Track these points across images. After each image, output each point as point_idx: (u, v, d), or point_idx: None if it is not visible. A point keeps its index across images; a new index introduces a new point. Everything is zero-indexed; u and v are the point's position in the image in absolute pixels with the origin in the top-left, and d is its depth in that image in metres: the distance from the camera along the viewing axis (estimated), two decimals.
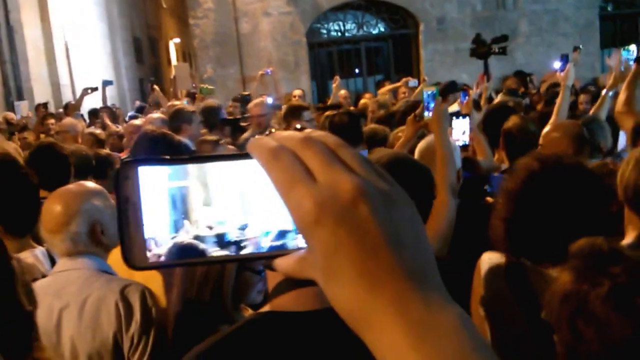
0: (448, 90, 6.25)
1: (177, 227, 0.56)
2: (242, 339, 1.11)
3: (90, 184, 2.12)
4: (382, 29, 11.98)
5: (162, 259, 0.56)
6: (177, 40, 19.23)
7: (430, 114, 3.38)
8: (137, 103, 10.42)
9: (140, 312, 1.83)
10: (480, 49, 7.09)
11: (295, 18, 11.47)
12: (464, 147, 3.82)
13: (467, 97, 5.07)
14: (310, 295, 1.10)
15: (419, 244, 0.50)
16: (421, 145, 3.21)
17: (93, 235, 1.93)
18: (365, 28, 11.86)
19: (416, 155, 3.14)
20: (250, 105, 6.09)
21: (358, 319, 0.48)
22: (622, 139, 3.81)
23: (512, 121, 3.61)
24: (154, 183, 0.56)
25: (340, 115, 4.68)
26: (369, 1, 11.41)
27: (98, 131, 6.30)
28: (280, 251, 0.55)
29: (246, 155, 0.53)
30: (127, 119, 8.60)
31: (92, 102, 9.52)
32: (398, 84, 8.97)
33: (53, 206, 1.94)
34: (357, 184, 0.48)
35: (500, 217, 1.68)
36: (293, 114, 5.00)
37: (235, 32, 11.69)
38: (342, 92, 9.30)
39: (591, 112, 4.74)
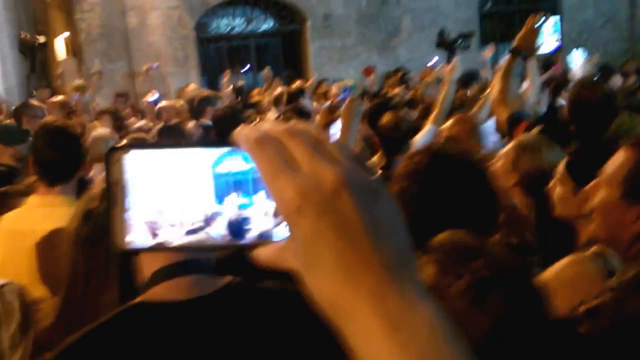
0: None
1: (165, 212, 0.56)
2: (112, 330, 1.10)
3: None
4: (271, 25, 12.08)
5: (147, 244, 0.56)
6: (67, 34, 18.50)
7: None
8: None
9: (20, 311, 1.81)
10: (444, 43, 7.42)
11: (183, 13, 11.37)
12: None
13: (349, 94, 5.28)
14: (185, 285, 1.10)
15: (399, 236, 0.50)
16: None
17: None
18: (254, 24, 11.91)
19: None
20: None
21: (336, 309, 0.48)
22: (491, 128, 3.98)
23: (385, 118, 3.73)
24: (145, 167, 0.56)
25: (223, 109, 4.79)
26: None
27: None
28: (261, 240, 0.55)
29: (235, 143, 0.53)
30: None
31: None
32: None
33: None
34: (339, 175, 0.49)
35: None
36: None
37: (122, 26, 11.44)
38: (192, 85, 9.34)
39: (475, 109, 4.98)
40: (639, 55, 12.97)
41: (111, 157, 0.55)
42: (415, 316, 0.47)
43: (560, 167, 2.13)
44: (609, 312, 1.17)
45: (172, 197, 0.56)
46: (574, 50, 7.88)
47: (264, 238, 0.55)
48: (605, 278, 1.67)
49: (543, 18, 3.32)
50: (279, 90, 7.31)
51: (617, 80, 6.93)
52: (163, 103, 6.74)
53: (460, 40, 7.35)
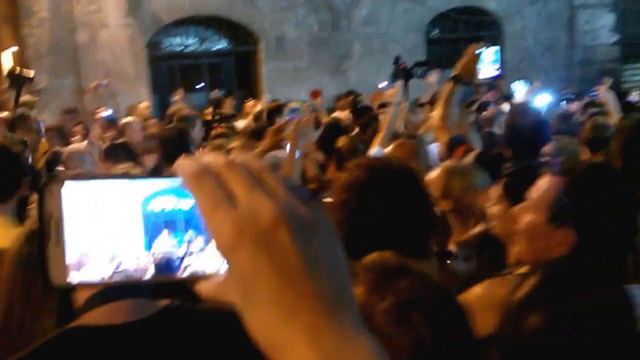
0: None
1: (97, 246, 0.54)
2: (46, 355, 1.08)
3: None
4: (224, 45, 12.10)
5: (85, 278, 0.54)
6: (15, 48, 18.09)
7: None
8: None
9: None
10: (401, 71, 7.47)
11: (135, 30, 11.29)
12: None
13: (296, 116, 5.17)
14: (120, 309, 1.10)
15: (338, 272, 0.50)
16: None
17: None
18: (207, 43, 11.92)
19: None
20: None
21: (273, 346, 0.48)
22: (434, 151, 4.10)
23: (342, 141, 3.82)
24: (80, 199, 0.54)
25: (169, 130, 4.77)
26: (210, 17, 11.48)
27: None
28: (203, 274, 0.54)
29: (175, 175, 0.52)
30: None
31: None
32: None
33: None
34: (278, 210, 0.48)
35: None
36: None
37: (72, 43, 11.28)
38: (144, 103, 9.31)
39: (421, 130, 5.09)
40: (577, 82, 13.57)
41: (45, 189, 0.54)
42: (353, 353, 0.47)
43: (497, 188, 2.22)
44: (507, 332, 1.21)
45: (104, 230, 0.55)
46: (517, 82, 8.17)
47: (198, 275, 0.54)
48: None
49: (483, 47, 3.41)
50: (259, 107, 7.43)
51: (572, 106, 7.23)
52: (128, 119, 6.65)
53: (416, 68, 7.52)
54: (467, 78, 3.36)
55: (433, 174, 2.68)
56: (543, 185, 1.65)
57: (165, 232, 0.55)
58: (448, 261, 2.32)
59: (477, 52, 3.35)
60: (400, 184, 1.71)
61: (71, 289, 0.59)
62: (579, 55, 14.42)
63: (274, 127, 3.85)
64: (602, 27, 14.63)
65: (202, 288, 0.54)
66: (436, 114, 3.62)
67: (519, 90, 7.04)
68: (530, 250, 1.67)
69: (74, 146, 4.65)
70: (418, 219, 1.71)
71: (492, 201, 2.22)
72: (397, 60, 7.72)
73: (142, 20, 11.27)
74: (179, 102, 8.95)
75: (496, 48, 3.18)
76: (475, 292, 1.86)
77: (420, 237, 1.69)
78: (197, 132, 5.55)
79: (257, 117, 6.92)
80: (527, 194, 1.71)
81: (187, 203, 0.54)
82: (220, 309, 1.13)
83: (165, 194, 0.55)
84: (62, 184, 0.54)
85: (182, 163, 0.52)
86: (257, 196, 0.49)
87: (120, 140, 5.08)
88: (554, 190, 1.61)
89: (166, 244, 0.55)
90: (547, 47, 14.05)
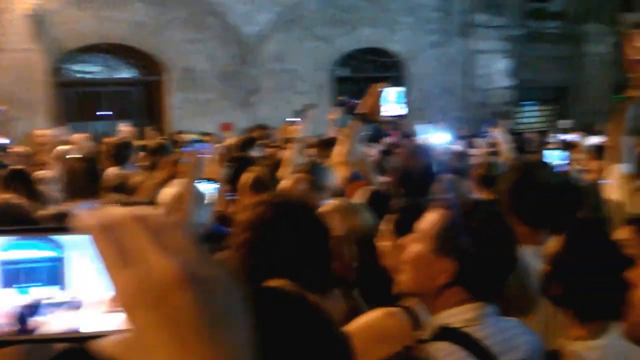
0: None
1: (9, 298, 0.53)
2: None
3: None
4: (131, 74, 11.92)
5: None
6: None
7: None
8: None
9: None
10: (347, 108, 7.50)
11: (37, 56, 10.92)
12: None
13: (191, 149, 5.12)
14: (13, 355, 1.03)
15: (239, 331, 0.48)
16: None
17: None
18: (112, 71, 11.69)
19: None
20: None
21: None
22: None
23: (247, 176, 3.78)
24: None
25: (78, 161, 4.61)
26: (117, 45, 11.30)
27: None
28: (103, 331, 0.54)
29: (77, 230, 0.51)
30: None
31: None
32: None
33: None
34: (178, 269, 0.47)
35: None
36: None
37: None
38: (77, 135, 9.06)
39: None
40: (472, 122, 14.41)
41: None
42: None
43: (387, 223, 2.31)
44: None
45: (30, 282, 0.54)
46: (418, 122, 8.58)
47: (69, 332, 0.53)
48: (413, 331, 1.83)
49: (385, 86, 3.48)
50: (229, 141, 7.35)
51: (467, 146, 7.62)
52: (66, 147, 6.42)
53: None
54: (370, 116, 3.44)
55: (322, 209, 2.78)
56: (430, 218, 1.76)
57: (24, 283, 0.54)
58: (352, 292, 2.38)
59: (379, 90, 3.43)
60: (301, 219, 1.75)
61: None
62: (475, 97, 15.32)
63: (169, 159, 3.74)
64: (497, 72, 15.65)
65: (103, 345, 0.52)
66: (339, 149, 3.74)
67: (420, 130, 7.40)
68: (415, 279, 1.75)
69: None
70: (318, 253, 1.76)
71: (381, 237, 2.33)
72: (343, 103, 7.83)
73: (46, 45, 10.94)
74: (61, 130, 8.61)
75: (401, 89, 3.29)
76: (360, 323, 1.93)
77: (321, 269, 1.76)
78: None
79: (156, 149, 6.77)
80: (415, 227, 1.81)
81: (48, 255, 0.53)
82: None
83: (24, 246, 0.54)
84: None
85: (85, 217, 0.51)
86: (157, 253, 0.48)
87: (18, 167, 4.90)
88: (440, 223, 1.71)
89: (25, 296, 0.54)
90: (446, 89, 14.84)
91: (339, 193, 3.83)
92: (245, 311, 0.50)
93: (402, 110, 5.82)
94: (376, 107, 3.41)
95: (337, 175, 3.79)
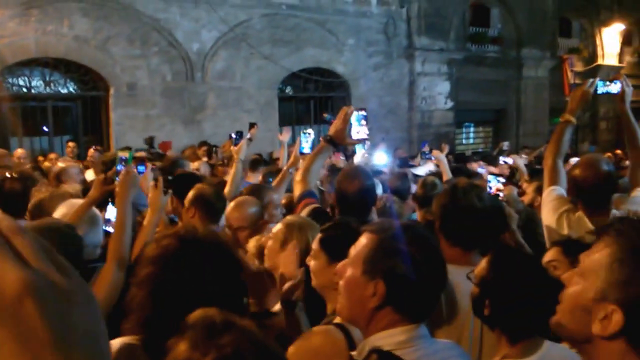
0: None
1: None
2: None
3: None
4: (72, 89, 11.64)
5: None
6: None
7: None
8: None
9: None
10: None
11: None
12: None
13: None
14: None
15: (93, 343, 0.46)
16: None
17: None
18: (53, 86, 11.39)
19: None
20: None
21: None
22: None
23: (201, 189, 3.72)
24: None
25: (11, 181, 4.45)
26: (58, 60, 11.04)
27: None
28: None
29: None
30: None
31: None
32: None
33: None
34: (24, 279, 0.45)
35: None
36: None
37: None
38: (19, 151, 8.85)
39: (274, 183, 5.21)
40: (414, 142, 14.75)
41: None
42: None
43: (315, 243, 2.35)
44: None
45: None
46: (379, 150, 8.68)
47: None
48: (347, 348, 1.88)
49: (354, 111, 3.43)
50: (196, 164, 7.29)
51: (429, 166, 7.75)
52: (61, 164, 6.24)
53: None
54: (338, 140, 3.43)
55: (274, 229, 2.82)
56: (361, 242, 1.79)
57: None
58: (295, 310, 2.39)
59: (349, 113, 3.41)
60: (209, 254, 1.72)
61: None
62: (417, 118, 15.67)
63: (99, 178, 3.59)
64: (438, 94, 16.07)
65: None
66: (301, 168, 3.74)
67: (359, 151, 7.49)
68: (349, 305, 1.76)
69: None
70: (229, 284, 1.72)
71: (311, 256, 2.36)
72: (327, 120, 7.75)
73: None
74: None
75: (361, 112, 3.25)
76: (298, 342, 1.97)
77: (233, 300, 1.72)
78: None
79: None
80: (343, 248, 1.85)
81: None
82: None
83: None
84: None
85: None
86: (3, 262, 0.46)
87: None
88: (369, 246, 1.75)
89: None
90: (389, 110, 15.13)
91: (288, 210, 3.83)
92: (102, 323, 0.48)
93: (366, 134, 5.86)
94: (344, 131, 3.40)
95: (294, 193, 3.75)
